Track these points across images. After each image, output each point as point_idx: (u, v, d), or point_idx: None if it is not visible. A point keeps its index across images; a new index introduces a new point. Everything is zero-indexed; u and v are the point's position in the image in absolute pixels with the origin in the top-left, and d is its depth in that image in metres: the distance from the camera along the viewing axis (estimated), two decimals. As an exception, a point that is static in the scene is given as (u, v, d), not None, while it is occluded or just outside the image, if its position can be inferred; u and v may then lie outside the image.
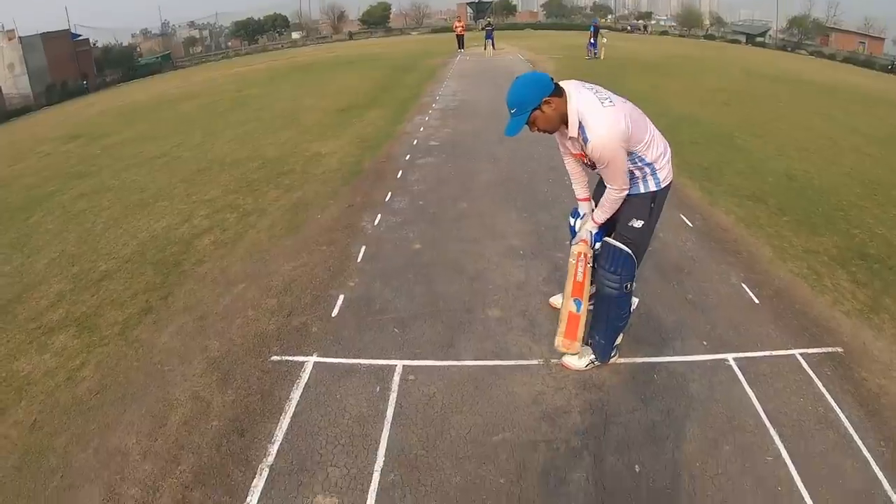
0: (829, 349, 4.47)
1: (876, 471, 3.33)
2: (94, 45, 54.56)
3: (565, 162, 4.19)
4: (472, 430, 3.67)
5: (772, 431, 3.62)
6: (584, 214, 4.21)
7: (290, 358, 4.49)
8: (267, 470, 3.43)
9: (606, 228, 4.02)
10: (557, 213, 7.03)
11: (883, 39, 58.81)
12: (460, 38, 33.66)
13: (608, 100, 3.50)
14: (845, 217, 7.21)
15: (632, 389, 4.01)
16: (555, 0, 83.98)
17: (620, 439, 3.56)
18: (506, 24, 66.40)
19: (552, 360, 4.30)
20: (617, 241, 3.85)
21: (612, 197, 3.71)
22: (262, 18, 76.70)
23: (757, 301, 5.15)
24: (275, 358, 4.51)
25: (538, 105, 3.42)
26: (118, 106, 24.55)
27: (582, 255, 3.97)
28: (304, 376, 4.26)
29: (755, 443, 3.54)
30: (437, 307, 5.12)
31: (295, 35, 74.46)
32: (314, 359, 4.46)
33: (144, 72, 50.91)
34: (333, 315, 5.07)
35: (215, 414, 3.94)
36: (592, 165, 3.72)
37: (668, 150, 3.83)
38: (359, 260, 6.11)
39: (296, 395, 4.07)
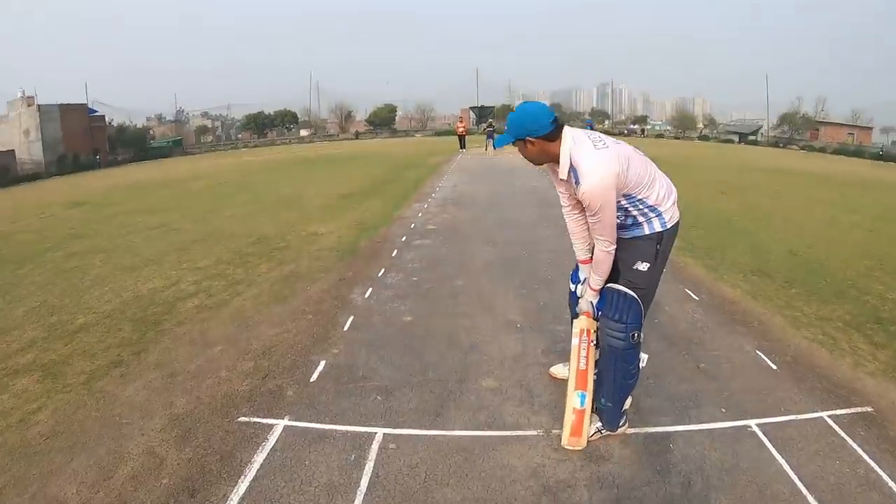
0: (859, 409, 4.07)
1: None
2: (110, 123, 56.09)
3: (566, 218, 3.92)
4: (461, 506, 3.15)
5: (810, 499, 3.12)
6: (585, 279, 3.87)
7: (259, 420, 4.03)
8: None
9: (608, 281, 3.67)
10: (558, 291, 6.61)
11: (871, 129, 60.90)
12: (462, 138, 34.50)
13: (602, 142, 3.33)
14: (854, 286, 6.98)
15: (645, 460, 3.51)
16: (554, 106, 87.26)
17: (637, 517, 3.05)
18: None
19: (553, 431, 3.81)
20: (622, 286, 3.50)
21: (601, 255, 3.47)
22: (272, 113, 79.81)
23: (775, 367, 4.76)
24: (242, 419, 4.05)
25: (523, 138, 3.34)
26: (127, 181, 25.05)
27: (584, 332, 3.66)
28: (272, 439, 3.78)
29: None
30: (425, 377, 4.67)
31: (303, 132, 77.09)
32: (285, 422, 3.98)
33: (155, 154, 52.62)
34: (312, 380, 4.63)
35: (168, 471, 3.47)
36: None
37: (674, 192, 3.59)
38: (345, 329, 5.71)
39: (259, 458, 3.58)
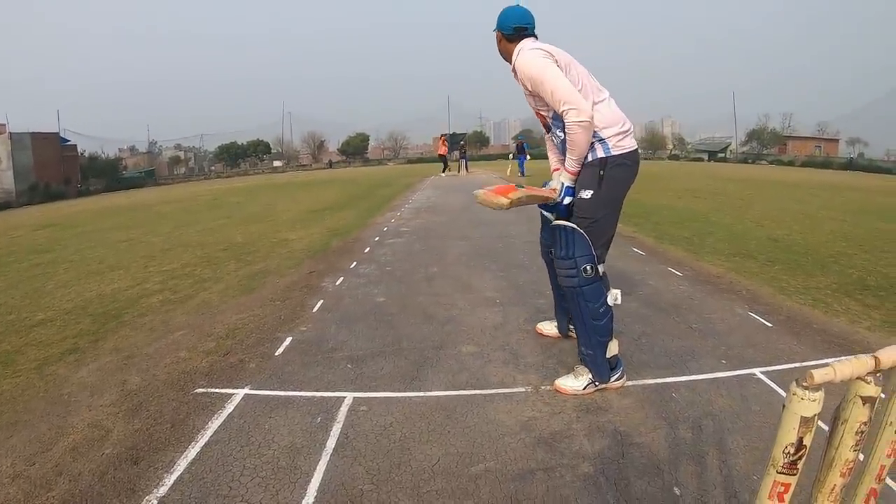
0: (866, 356, 3.79)
1: None
2: (82, 153, 54.77)
3: (546, 144, 3.88)
4: (442, 461, 2.75)
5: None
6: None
7: (217, 390, 3.62)
8: (154, 502, 2.49)
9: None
10: (536, 272, 6.34)
11: (837, 140, 62.41)
12: (444, 159, 32.30)
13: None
14: (836, 262, 6.90)
15: (648, 409, 3.18)
16: (526, 132, 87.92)
17: (647, 461, 2.68)
18: (479, 155, 68.76)
19: (543, 387, 3.47)
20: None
21: (574, 130, 3.18)
22: (244, 143, 78.92)
23: (770, 325, 4.53)
24: (199, 390, 3.63)
25: (497, 28, 3.49)
26: (98, 207, 24.25)
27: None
28: (229, 407, 3.36)
29: (819, 446, 2.71)
30: (399, 346, 4.29)
31: (276, 163, 76.44)
32: (245, 391, 3.57)
33: (127, 184, 51.22)
34: (277, 353, 4.22)
35: (112, 442, 3.06)
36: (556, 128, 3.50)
37: (627, 124, 3.38)
38: (314, 310, 5.31)
39: (214, 424, 3.17)
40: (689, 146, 70.20)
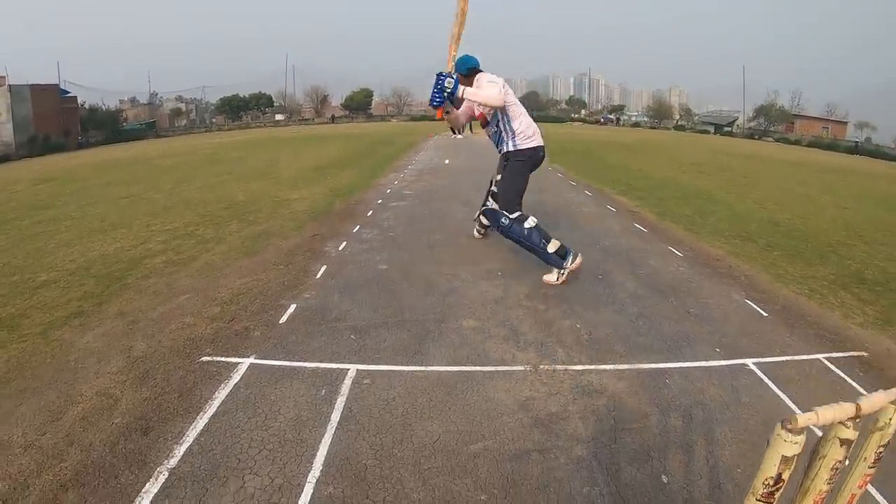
0: (855, 353, 3.97)
1: None
2: (82, 104, 54.09)
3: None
4: (443, 438, 2.86)
5: (818, 432, 2.92)
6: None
7: (223, 359, 3.71)
8: (166, 473, 2.59)
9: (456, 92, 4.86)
10: None
11: (846, 123, 61.69)
12: None
13: None
14: (835, 252, 6.94)
15: (641, 394, 3.29)
16: (531, 94, 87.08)
17: (638, 447, 2.80)
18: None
19: (541, 366, 3.58)
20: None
21: (484, 92, 5.05)
22: (247, 96, 77.71)
23: (765, 314, 4.62)
24: (205, 359, 3.72)
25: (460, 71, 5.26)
26: (98, 160, 24.00)
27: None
28: (235, 377, 3.46)
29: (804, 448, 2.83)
30: (402, 317, 4.39)
31: (278, 116, 75.39)
32: (250, 360, 3.67)
33: (128, 136, 50.70)
34: (281, 321, 4.31)
35: (121, 411, 3.14)
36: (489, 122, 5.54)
37: (536, 135, 5.42)
38: (318, 276, 5.40)
39: (221, 394, 3.27)
40: (696, 117, 69.42)
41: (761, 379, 3.49)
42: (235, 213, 8.77)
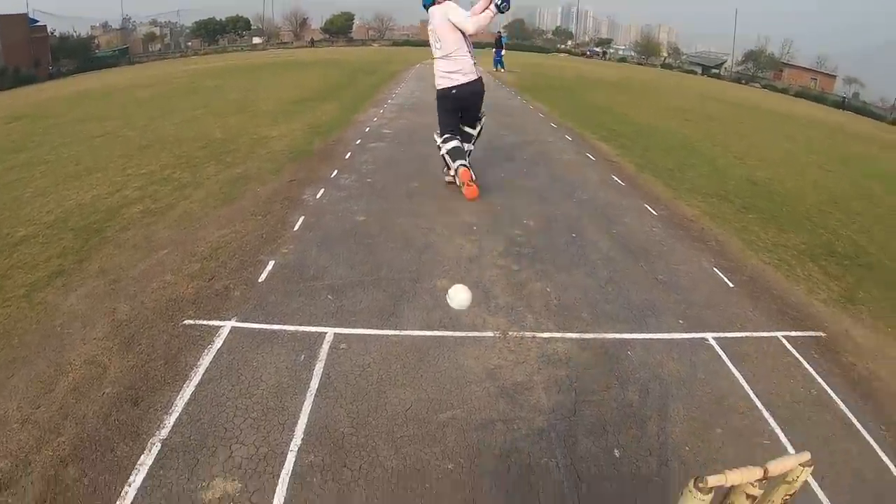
0: (813, 333, 4.13)
1: (883, 458, 2.93)
2: (52, 33, 51.71)
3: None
4: (414, 407, 3.03)
5: (766, 414, 3.15)
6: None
7: (205, 322, 3.79)
8: (158, 445, 2.72)
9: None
10: (515, 196, 6.64)
11: (835, 77, 61.12)
12: None
13: None
14: (810, 219, 7.05)
15: (603, 366, 3.47)
16: (518, 21, 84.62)
17: (595, 420, 2.99)
18: (475, 42, 66.23)
19: (510, 333, 3.73)
20: None
21: (477, 24, 6.15)
22: (223, 19, 74.50)
23: (732, 285, 4.78)
24: (188, 322, 3.80)
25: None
26: (69, 93, 22.95)
27: None
28: (218, 342, 3.56)
29: (749, 426, 3.05)
30: (378, 276, 4.50)
31: (256, 40, 72.53)
32: (232, 323, 3.76)
33: (101, 64, 48.16)
34: (260, 280, 4.38)
35: (110, 380, 3.22)
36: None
37: (447, 78, 6.52)
38: (295, 228, 5.44)
39: (205, 361, 3.37)
40: (684, 57, 68.10)
41: (719, 355, 3.67)
42: (213, 154, 8.63)
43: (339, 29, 75.38)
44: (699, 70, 57.58)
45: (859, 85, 61.78)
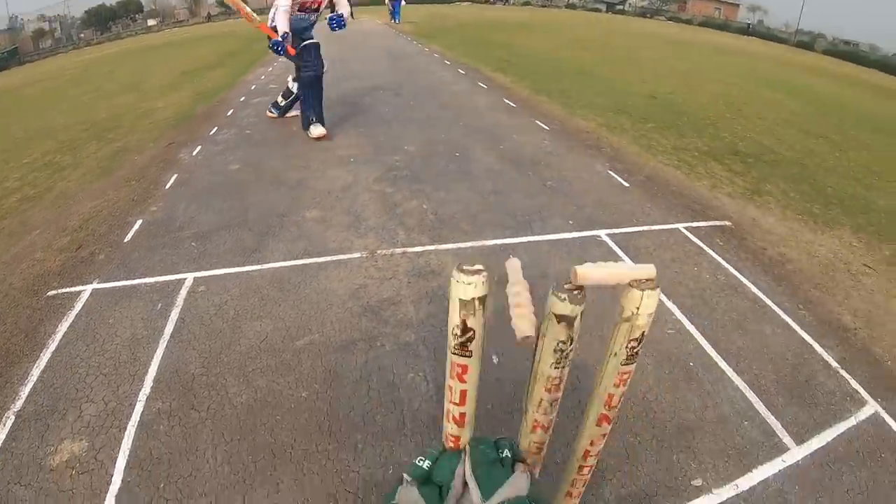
0: (717, 223, 4.05)
1: (802, 334, 2.91)
2: None
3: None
4: (270, 337, 2.79)
5: (669, 304, 3.05)
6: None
7: (67, 290, 3.44)
8: (12, 418, 2.45)
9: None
10: (398, 127, 6.35)
11: (738, 5, 62.42)
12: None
13: None
14: (713, 126, 7.02)
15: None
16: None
17: (469, 329, 2.76)
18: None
19: (378, 251, 3.49)
20: None
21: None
22: (114, 4, 70.47)
23: (627, 185, 4.65)
24: (51, 293, 3.44)
25: None
26: None
27: None
28: (78, 306, 3.23)
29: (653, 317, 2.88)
30: (246, 217, 4.19)
31: (150, 22, 69.03)
32: (93, 286, 3.41)
33: None
34: (126, 240, 4.01)
35: (-29, 366, 2.88)
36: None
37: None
38: (167, 187, 5.01)
39: (63, 327, 3.05)
40: (588, -6, 68.38)
41: (612, 249, 3.54)
42: (95, 134, 7.94)
43: (235, 0, 71.82)
44: (604, 8, 57.84)
45: (763, 12, 63.26)
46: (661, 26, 36.03)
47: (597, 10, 55.82)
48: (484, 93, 8.33)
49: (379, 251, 3.48)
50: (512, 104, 7.55)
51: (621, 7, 58.58)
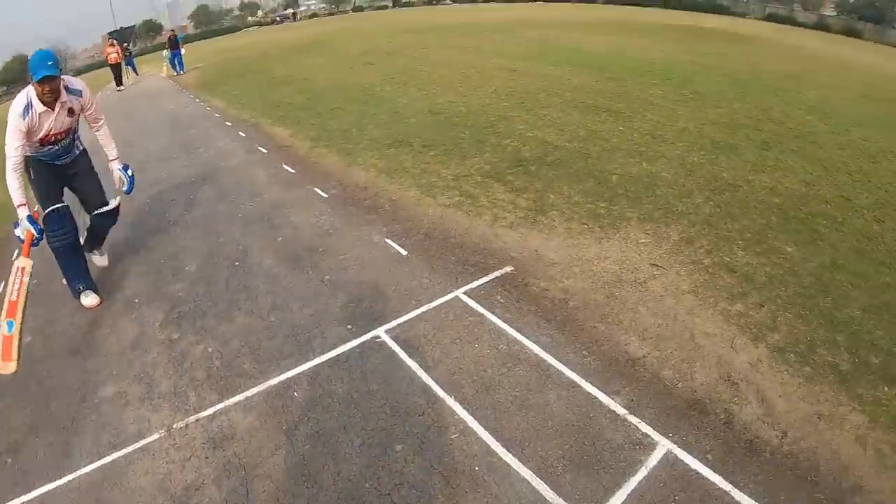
0: (498, 272, 4.17)
1: (587, 388, 3.08)
2: None
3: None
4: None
5: (450, 401, 3.09)
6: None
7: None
8: None
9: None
10: (177, 240, 5.84)
11: None
12: (117, 68, 23.08)
13: None
14: (495, 132, 7.32)
15: (269, 422, 3.15)
16: (202, 8, 79.08)
17: (270, 494, 2.73)
18: (153, 46, 60.54)
19: (175, 425, 3.25)
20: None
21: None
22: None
23: (405, 252, 4.70)
24: None
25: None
26: None
27: (20, 270, 3.90)
28: None
29: (434, 425, 2.96)
30: (41, 416, 3.52)
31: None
32: None
33: None
34: None
35: None
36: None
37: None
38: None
39: None
40: (372, -6, 68.68)
41: (393, 351, 3.52)
42: None
43: (16, 76, 64.14)
44: (390, 3, 58.29)
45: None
46: (450, 12, 36.77)
47: (384, 7, 56.04)
48: (262, 161, 7.90)
49: (175, 425, 3.25)
50: (291, 170, 7.31)
51: (407, 0, 59.11)
